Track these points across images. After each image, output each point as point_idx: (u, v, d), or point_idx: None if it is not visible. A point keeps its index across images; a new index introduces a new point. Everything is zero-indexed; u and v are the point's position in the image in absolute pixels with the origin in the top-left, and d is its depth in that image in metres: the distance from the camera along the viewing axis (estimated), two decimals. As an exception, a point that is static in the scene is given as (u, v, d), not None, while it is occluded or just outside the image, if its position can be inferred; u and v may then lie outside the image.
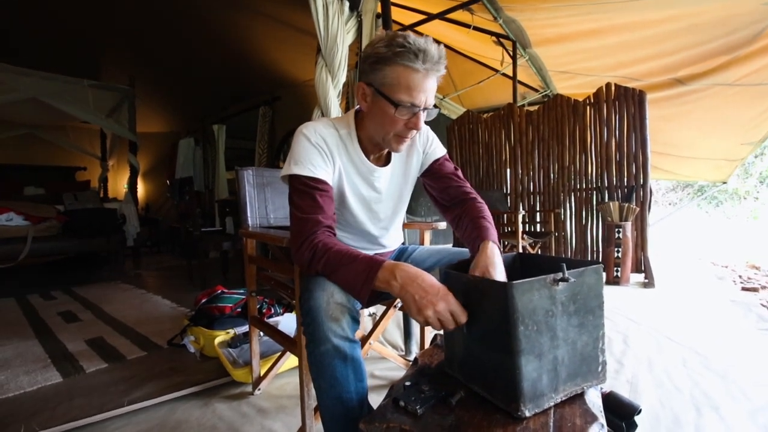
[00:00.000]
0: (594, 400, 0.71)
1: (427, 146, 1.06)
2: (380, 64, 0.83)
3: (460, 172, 1.09)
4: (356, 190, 0.99)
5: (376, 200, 1.03)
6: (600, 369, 0.71)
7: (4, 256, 3.15)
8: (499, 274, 0.80)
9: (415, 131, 0.89)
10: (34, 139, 4.77)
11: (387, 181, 1.03)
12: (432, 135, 1.08)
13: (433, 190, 1.10)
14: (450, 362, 0.79)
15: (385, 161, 1.03)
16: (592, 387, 0.71)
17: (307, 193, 0.86)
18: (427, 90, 0.83)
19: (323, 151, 0.90)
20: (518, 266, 0.93)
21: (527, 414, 0.62)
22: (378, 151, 0.99)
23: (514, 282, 0.61)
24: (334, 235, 0.88)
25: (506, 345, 0.63)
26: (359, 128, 0.96)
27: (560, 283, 0.65)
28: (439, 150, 1.08)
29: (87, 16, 3.18)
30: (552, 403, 0.66)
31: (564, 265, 0.66)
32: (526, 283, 0.62)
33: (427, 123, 0.93)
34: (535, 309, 0.63)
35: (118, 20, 3.25)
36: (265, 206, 1.40)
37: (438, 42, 0.83)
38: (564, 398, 0.68)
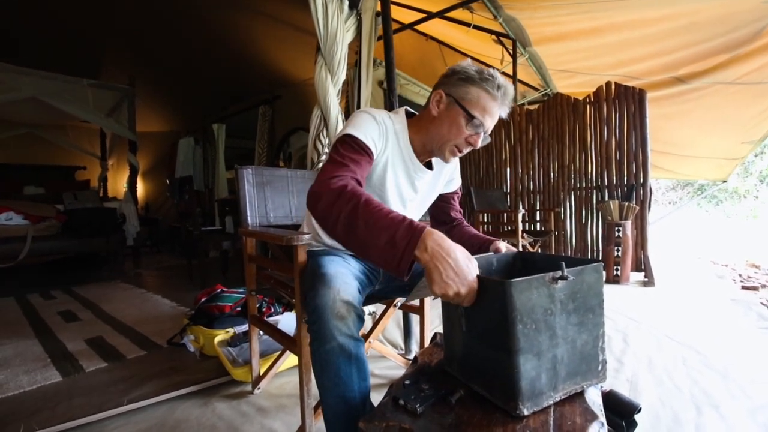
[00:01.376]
0: (594, 398, 0.71)
1: (453, 168, 1.17)
2: (467, 82, 0.93)
3: (458, 196, 1.24)
4: (397, 182, 1.03)
5: (411, 198, 1.08)
6: (600, 368, 0.71)
7: (3, 256, 3.14)
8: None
9: (470, 148, 0.98)
10: (34, 139, 4.76)
11: (424, 184, 1.09)
12: (457, 162, 1.17)
13: (437, 209, 1.22)
14: (450, 361, 0.79)
15: (426, 167, 1.08)
16: (592, 386, 0.71)
17: (352, 149, 0.88)
18: (494, 117, 0.95)
19: (382, 130, 0.96)
20: (518, 265, 0.93)
21: (526, 413, 0.62)
22: (426, 156, 1.05)
23: (513, 280, 0.61)
24: None
25: (505, 343, 0.62)
26: (411, 129, 1.02)
27: (559, 281, 0.65)
28: (458, 180, 1.21)
29: (87, 15, 3.18)
30: (551, 402, 0.66)
31: (563, 263, 0.66)
32: (525, 282, 0.62)
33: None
34: (534, 307, 0.63)
35: (118, 20, 3.25)
36: (264, 205, 1.40)
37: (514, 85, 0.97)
38: (563, 397, 0.67)
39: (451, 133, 0.95)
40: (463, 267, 0.65)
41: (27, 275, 3.83)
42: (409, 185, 1.05)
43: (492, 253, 0.93)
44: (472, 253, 0.90)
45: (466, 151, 0.99)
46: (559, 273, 0.65)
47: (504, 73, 3.79)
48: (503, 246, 0.95)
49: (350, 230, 0.72)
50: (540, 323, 0.63)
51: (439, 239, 0.66)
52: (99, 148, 5.06)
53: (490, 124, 0.95)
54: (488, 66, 3.96)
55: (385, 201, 1.02)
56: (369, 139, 0.91)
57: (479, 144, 0.97)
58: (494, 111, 0.94)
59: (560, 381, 0.66)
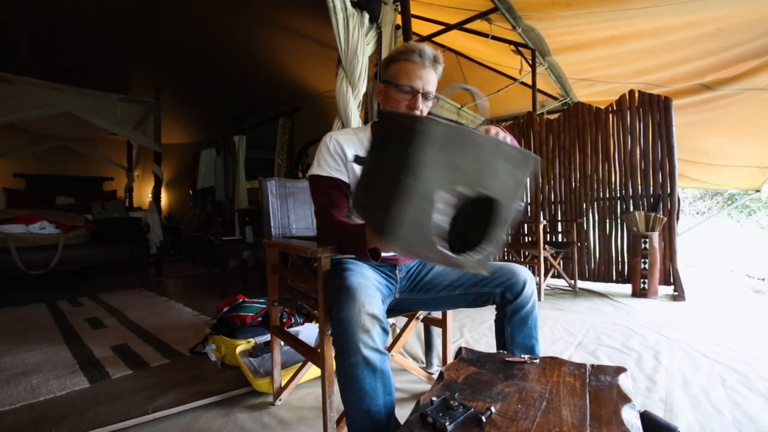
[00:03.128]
0: (632, 420, 0.67)
1: None
2: (390, 63, 1.07)
3: None
4: None
5: None
6: None
7: (37, 263, 3.27)
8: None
9: (416, 112, 1.04)
10: (66, 151, 4.99)
11: None
12: None
13: None
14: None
15: None
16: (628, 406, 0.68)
17: (322, 191, 1.07)
18: (423, 78, 1.02)
19: (336, 155, 1.09)
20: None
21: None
22: None
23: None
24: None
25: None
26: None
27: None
28: None
29: (117, 33, 3.34)
30: None
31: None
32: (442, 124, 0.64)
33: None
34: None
35: (145, 36, 3.39)
36: (287, 216, 1.41)
37: (436, 49, 1.05)
38: None
39: (391, 107, 1.06)
40: None
41: (57, 282, 3.97)
42: None
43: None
44: None
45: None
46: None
47: (523, 83, 3.80)
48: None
49: (343, 251, 1.01)
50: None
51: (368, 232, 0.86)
52: (126, 160, 5.26)
53: (419, 84, 1.02)
54: (506, 75, 3.95)
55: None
56: (331, 171, 1.07)
57: (421, 105, 1.03)
58: (418, 71, 1.02)
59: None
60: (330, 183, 1.07)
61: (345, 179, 1.09)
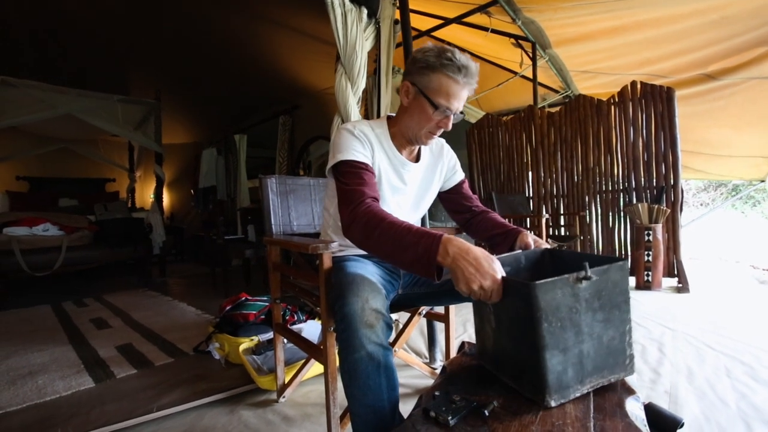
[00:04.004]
0: (636, 412, 0.67)
1: (453, 164, 1.22)
2: (428, 70, 0.95)
3: (466, 184, 1.28)
4: (389, 179, 1.08)
5: (402, 191, 1.11)
6: (627, 362, 0.73)
7: (41, 265, 3.29)
8: (544, 244, 0.94)
9: (443, 130, 1.03)
10: (69, 153, 5.00)
11: (413, 176, 1.13)
12: (455, 157, 1.24)
13: (450, 203, 1.26)
14: (482, 354, 0.82)
15: (415, 160, 1.14)
16: (620, 379, 0.72)
17: (352, 172, 0.95)
18: (460, 99, 0.98)
19: (363, 140, 1.01)
20: (547, 261, 0.93)
21: (553, 404, 0.66)
22: (408, 146, 1.11)
23: (538, 282, 0.63)
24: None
25: (532, 341, 0.65)
26: (392, 126, 1.09)
27: (583, 281, 0.67)
28: (460, 173, 1.24)
29: (117, 34, 3.33)
30: (578, 394, 0.68)
31: (587, 263, 0.67)
32: (549, 283, 0.64)
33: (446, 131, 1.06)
34: (559, 306, 0.65)
35: (145, 36, 3.39)
36: (288, 213, 1.41)
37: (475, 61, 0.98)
38: (591, 389, 0.70)
39: (421, 122, 1.00)
40: (483, 263, 0.69)
41: (61, 284, 4.00)
42: (398, 178, 1.10)
43: (520, 250, 0.93)
44: (499, 242, 1.06)
45: (439, 133, 1.04)
46: (582, 273, 0.67)
47: (523, 77, 3.77)
48: (531, 240, 0.96)
49: (383, 252, 0.82)
50: (565, 321, 0.66)
51: (457, 243, 0.72)
52: (127, 161, 5.27)
53: (457, 105, 0.98)
54: (507, 69, 3.92)
55: (381, 197, 1.07)
56: (359, 155, 0.97)
57: (450, 125, 1.01)
58: (459, 93, 0.96)
59: (587, 374, 0.69)
60: (362, 167, 0.96)
61: (372, 167, 1.00)
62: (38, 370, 1.71)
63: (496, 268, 0.69)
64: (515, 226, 1.05)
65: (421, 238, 0.76)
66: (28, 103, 3.41)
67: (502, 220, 1.14)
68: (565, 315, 0.66)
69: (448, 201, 1.26)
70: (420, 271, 0.75)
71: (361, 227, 0.85)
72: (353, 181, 0.93)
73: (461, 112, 1.02)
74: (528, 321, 0.65)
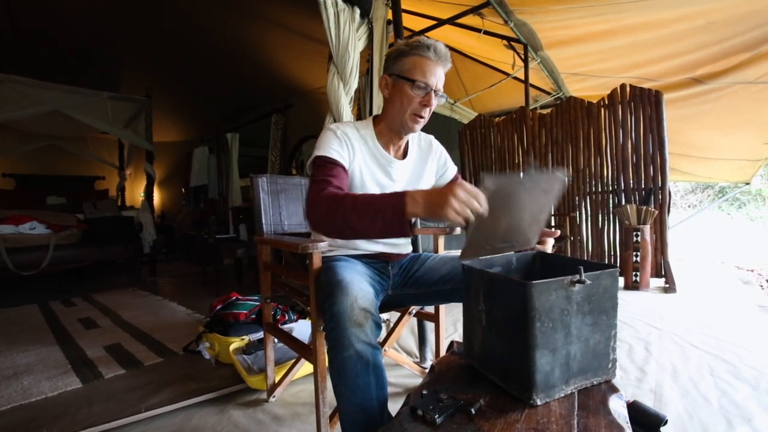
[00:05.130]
0: (619, 410, 0.68)
1: (444, 159, 1.24)
2: (401, 56, 1.02)
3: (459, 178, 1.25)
4: (374, 177, 1.10)
5: (390, 188, 1.11)
6: (610, 365, 0.76)
7: (27, 264, 3.24)
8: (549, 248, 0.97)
9: (428, 109, 1.04)
10: (57, 150, 4.92)
11: (401, 172, 1.14)
12: (445, 152, 1.25)
13: None
14: (470, 352, 0.83)
15: (402, 157, 1.16)
16: (601, 382, 0.75)
17: (323, 167, 0.98)
18: (436, 75, 1.01)
19: (344, 141, 1.04)
20: (537, 265, 0.95)
21: (539, 402, 0.67)
22: (395, 142, 1.13)
23: (534, 282, 0.65)
24: None
25: (523, 339, 0.67)
26: (377, 124, 1.12)
27: (577, 284, 0.69)
28: (452, 167, 1.25)
29: (107, 30, 3.29)
30: (562, 394, 0.71)
31: (581, 267, 0.69)
32: (545, 284, 0.66)
33: (437, 130, 1.08)
34: (552, 307, 0.67)
35: (135, 34, 3.35)
36: (279, 213, 1.41)
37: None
38: (575, 390, 0.72)
39: (404, 104, 1.02)
40: (449, 186, 0.71)
41: (49, 283, 3.93)
42: (386, 176, 1.11)
43: (512, 252, 0.94)
44: None
45: (425, 114, 1.05)
46: (577, 277, 0.68)
47: (515, 78, 3.80)
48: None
49: (352, 229, 0.82)
50: (557, 322, 0.68)
51: (421, 191, 0.76)
52: (117, 158, 5.20)
53: (434, 81, 1.01)
54: (499, 70, 3.95)
55: None
56: (334, 153, 1.00)
57: (434, 102, 1.03)
58: (433, 68, 1.00)
59: (572, 375, 0.71)
60: (335, 163, 0.99)
61: (347, 167, 1.03)
62: (23, 371, 1.68)
63: (458, 185, 0.71)
64: None
65: (386, 201, 0.79)
66: (14, 99, 3.34)
67: None
68: (557, 316, 0.68)
69: None
70: (395, 231, 0.78)
71: (324, 210, 0.85)
72: (322, 173, 0.96)
73: (443, 95, 1.05)
74: (521, 320, 0.67)
